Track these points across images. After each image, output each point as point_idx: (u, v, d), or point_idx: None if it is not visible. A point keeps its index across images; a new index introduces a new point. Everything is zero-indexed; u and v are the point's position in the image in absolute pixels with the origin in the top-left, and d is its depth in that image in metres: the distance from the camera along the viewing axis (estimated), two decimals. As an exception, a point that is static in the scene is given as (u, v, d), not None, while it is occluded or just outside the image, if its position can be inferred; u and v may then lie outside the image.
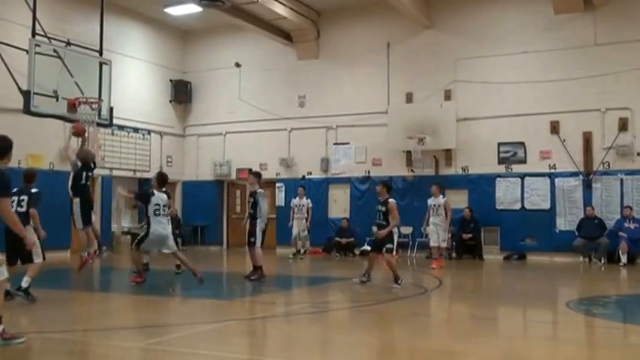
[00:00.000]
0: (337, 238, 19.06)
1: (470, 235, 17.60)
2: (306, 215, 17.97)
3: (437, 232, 15.47)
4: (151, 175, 20.85)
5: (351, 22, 20.39)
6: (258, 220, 12.39)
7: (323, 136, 20.57)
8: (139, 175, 20.80)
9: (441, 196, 15.84)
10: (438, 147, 18.56)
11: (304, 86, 20.99)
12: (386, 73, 19.69)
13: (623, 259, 15.80)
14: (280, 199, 21.03)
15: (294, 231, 18.00)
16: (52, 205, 16.29)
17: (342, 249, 18.91)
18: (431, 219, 15.65)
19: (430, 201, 15.84)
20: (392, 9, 18.36)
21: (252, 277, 12.21)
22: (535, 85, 17.91)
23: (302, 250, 18.37)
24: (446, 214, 15.50)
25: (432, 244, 15.77)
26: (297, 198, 18.20)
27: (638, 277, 14.21)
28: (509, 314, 9.41)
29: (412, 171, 19.14)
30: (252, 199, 12.56)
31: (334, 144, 20.44)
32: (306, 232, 18.20)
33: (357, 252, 18.73)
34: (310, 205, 18.22)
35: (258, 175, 13.15)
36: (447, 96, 18.92)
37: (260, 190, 12.65)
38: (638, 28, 17.00)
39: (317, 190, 20.42)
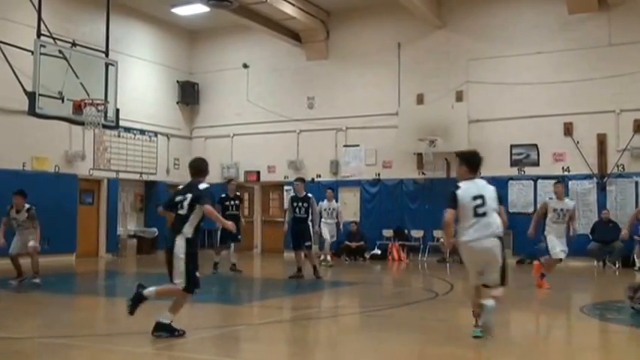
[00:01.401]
0: (347, 242, 18.80)
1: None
2: (336, 220, 17.19)
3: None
4: (158, 177, 20.88)
5: (361, 23, 20.14)
6: (312, 224, 13.16)
7: (332, 138, 20.33)
8: (145, 177, 20.61)
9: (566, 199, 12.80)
10: (449, 149, 18.21)
11: (313, 87, 20.76)
12: (396, 74, 19.43)
13: (638, 262, 15.57)
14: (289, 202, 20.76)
15: (326, 236, 16.98)
16: (57, 209, 16.29)
17: (352, 253, 18.66)
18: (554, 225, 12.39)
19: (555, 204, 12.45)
20: (403, 9, 18.12)
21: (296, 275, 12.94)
22: (548, 86, 17.62)
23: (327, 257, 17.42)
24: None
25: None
26: (326, 201, 17.24)
27: (653, 282, 13.97)
28: (523, 319, 9.22)
29: (423, 173, 18.87)
30: (306, 204, 13.13)
31: (344, 146, 20.20)
32: (335, 238, 17.51)
33: (367, 256, 18.47)
34: (340, 208, 17.66)
35: (304, 180, 13.87)
36: (459, 97, 18.64)
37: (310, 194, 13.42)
38: (653, 29, 16.73)
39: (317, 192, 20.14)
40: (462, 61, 18.63)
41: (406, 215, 19.08)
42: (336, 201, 17.90)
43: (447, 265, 17.20)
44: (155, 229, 20.59)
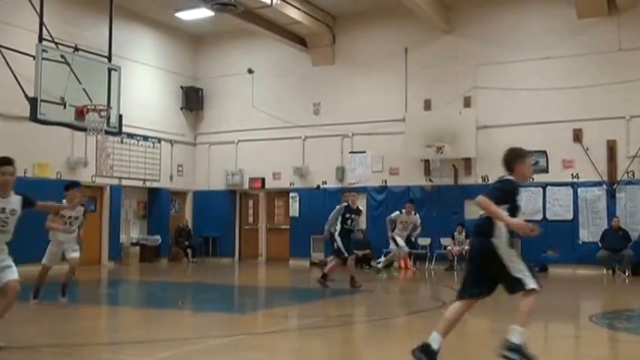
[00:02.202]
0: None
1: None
2: (409, 232, 16.01)
3: None
4: (161, 184, 20.70)
5: (368, 27, 19.95)
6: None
7: (338, 145, 20.12)
8: (148, 184, 20.42)
9: None
10: (457, 155, 18.06)
11: (319, 93, 20.57)
12: (403, 79, 19.24)
13: (649, 270, 15.36)
14: (294, 209, 20.60)
15: (402, 243, 15.75)
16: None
17: (359, 261, 18.38)
18: None
19: None
20: (410, 13, 17.95)
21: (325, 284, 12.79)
22: (557, 91, 17.40)
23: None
24: None
25: None
26: (404, 213, 15.76)
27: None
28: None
29: (430, 180, 18.63)
30: (356, 217, 13.39)
31: (350, 152, 19.97)
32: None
33: (373, 264, 18.24)
34: (419, 221, 16.27)
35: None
36: (467, 103, 18.43)
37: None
38: (665, 33, 16.52)
39: (332, 200, 19.90)
40: (470, 66, 18.41)
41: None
42: (415, 213, 16.32)
43: (455, 273, 16.96)
44: (158, 237, 20.44)
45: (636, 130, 16.67)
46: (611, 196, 16.80)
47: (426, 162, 18.49)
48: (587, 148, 17.09)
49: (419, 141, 18.05)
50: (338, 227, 13.04)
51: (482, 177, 18.03)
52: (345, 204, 13.28)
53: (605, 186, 16.89)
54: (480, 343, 7.63)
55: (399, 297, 12.34)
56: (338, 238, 13.02)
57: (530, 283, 5.55)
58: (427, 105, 19.00)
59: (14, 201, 6.55)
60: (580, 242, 17.02)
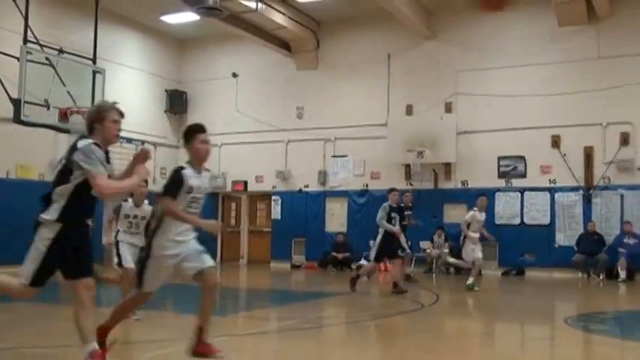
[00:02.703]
0: (334, 253, 18.75)
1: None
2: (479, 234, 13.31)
3: None
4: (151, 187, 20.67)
5: (352, 33, 20.17)
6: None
7: (321, 149, 20.32)
8: (132, 186, 20.38)
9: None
10: (437, 160, 18.31)
11: (303, 97, 20.76)
12: (386, 84, 19.48)
13: (622, 275, 15.66)
14: (276, 212, 20.75)
15: (478, 254, 13.17)
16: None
17: (339, 264, 18.60)
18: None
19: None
20: (393, 19, 18.18)
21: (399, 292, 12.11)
22: (536, 98, 17.69)
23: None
24: None
25: None
26: (477, 211, 13.23)
27: (637, 293, 14.10)
28: (507, 330, 9.22)
29: (411, 185, 18.84)
30: (399, 215, 12.83)
31: (332, 156, 20.18)
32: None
33: (354, 267, 18.41)
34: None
35: None
36: (448, 108, 18.70)
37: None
38: (640, 43, 16.85)
39: (314, 203, 20.14)
40: (452, 72, 18.69)
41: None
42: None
43: (434, 275, 17.20)
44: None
45: (612, 136, 16.98)
46: (587, 201, 17.11)
47: (407, 166, 18.71)
48: (565, 154, 17.40)
49: (400, 146, 18.29)
50: (391, 225, 12.45)
51: (461, 182, 18.36)
52: (392, 204, 12.64)
53: (581, 191, 17.20)
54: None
55: (378, 299, 12.51)
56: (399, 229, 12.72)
57: None
58: (409, 110, 19.24)
59: None
60: (556, 246, 17.30)
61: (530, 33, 18.08)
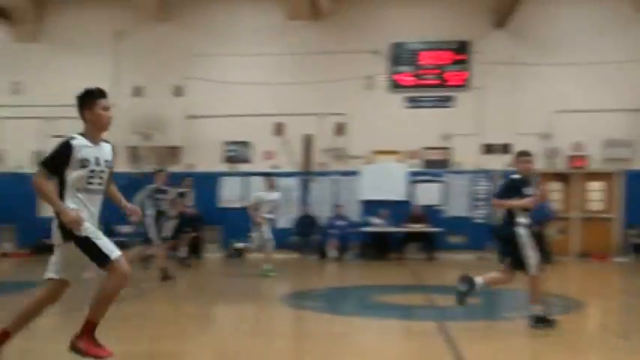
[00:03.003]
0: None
1: (195, 234, 17.51)
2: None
3: None
4: None
5: (78, 8, 19.19)
6: None
7: (40, 128, 18.95)
8: None
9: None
10: (164, 143, 18.25)
11: (21, 72, 19.26)
12: (114, 65, 18.81)
13: (333, 254, 17.19)
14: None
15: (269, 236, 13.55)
16: None
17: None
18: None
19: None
20: (124, -1, 17.66)
21: None
22: (264, 87, 18.40)
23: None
24: None
25: None
26: (267, 192, 13.49)
27: (345, 272, 15.45)
28: (224, 311, 9.50)
29: (138, 167, 18.50)
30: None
31: (52, 137, 18.94)
32: None
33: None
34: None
35: None
36: (178, 92, 18.73)
37: None
38: (360, 40, 18.35)
39: (19, 187, 18.64)
40: (184, 56, 18.72)
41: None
42: None
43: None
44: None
45: (330, 126, 18.33)
46: (306, 185, 18.33)
47: (133, 148, 18.40)
48: (287, 141, 18.40)
49: (127, 127, 17.87)
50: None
51: (188, 165, 18.50)
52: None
53: (301, 176, 18.35)
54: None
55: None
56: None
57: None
58: (137, 92, 18.87)
59: None
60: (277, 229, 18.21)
61: (261, 24, 18.80)
